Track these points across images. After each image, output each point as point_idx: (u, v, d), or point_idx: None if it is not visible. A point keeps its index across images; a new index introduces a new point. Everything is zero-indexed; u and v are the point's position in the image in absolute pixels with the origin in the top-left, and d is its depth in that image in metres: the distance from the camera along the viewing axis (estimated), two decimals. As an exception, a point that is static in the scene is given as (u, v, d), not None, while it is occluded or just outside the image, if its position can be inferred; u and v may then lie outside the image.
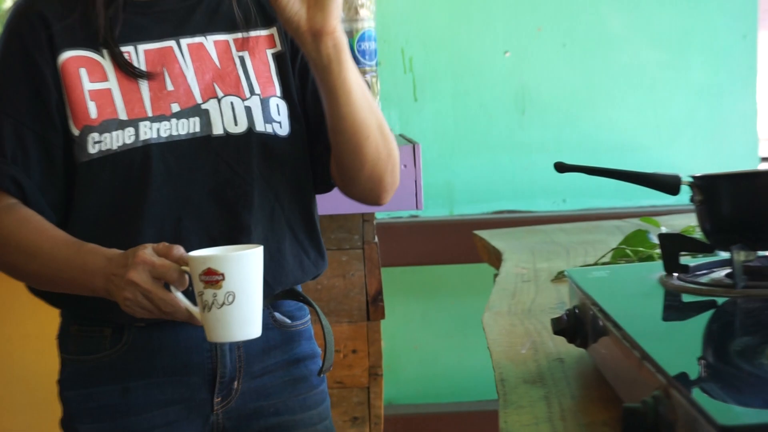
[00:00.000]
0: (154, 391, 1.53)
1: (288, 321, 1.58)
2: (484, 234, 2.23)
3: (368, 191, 1.60)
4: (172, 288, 1.33)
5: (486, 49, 2.81)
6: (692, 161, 2.75)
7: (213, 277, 1.31)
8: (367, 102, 1.49)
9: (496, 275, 1.89)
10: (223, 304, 1.32)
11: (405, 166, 2.04)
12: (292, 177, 1.55)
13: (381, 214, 2.53)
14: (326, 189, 1.65)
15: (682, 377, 0.87)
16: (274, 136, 1.52)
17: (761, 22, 2.85)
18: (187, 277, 1.33)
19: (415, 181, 2.04)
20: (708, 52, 2.80)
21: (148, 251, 1.32)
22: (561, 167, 1.42)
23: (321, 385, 1.64)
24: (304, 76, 1.57)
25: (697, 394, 0.82)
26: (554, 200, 2.74)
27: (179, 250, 1.33)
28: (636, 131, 2.79)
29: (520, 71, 2.80)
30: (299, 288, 1.62)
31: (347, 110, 1.47)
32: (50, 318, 2.46)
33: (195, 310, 1.34)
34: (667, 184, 1.34)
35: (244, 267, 1.34)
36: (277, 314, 1.56)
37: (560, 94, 2.80)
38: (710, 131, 2.80)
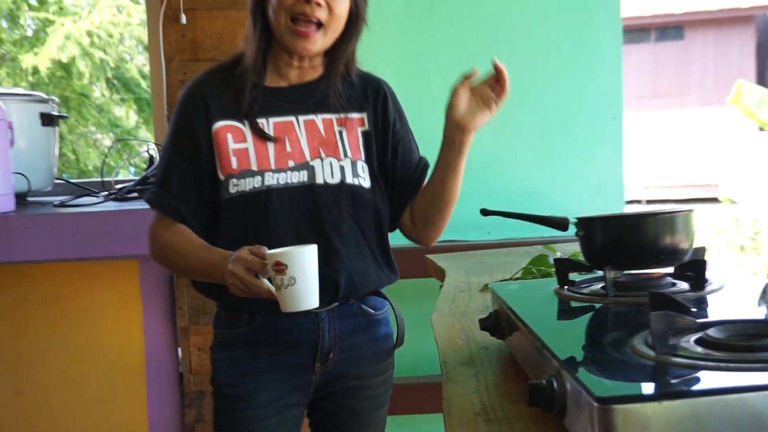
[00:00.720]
0: (275, 358, 1.60)
1: (372, 311, 1.64)
2: (432, 257, 2.24)
3: (431, 237, 1.72)
4: (260, 275, 1.40)
5: (428, 124, 2.79)
6: (578, 206, 2.75)
7: (280, 267, 1.37)
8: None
9: (441, 287, 1.90)
10: (288, 285, 1.38)
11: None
12: (373, 216, 1.60)
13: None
14: (392, 230, 1.72)
15: (570, 361, 0.88)
16: (360, 187, 1.57)
17: (625, 106, 2.87)
18: (269, 268, 1.38)
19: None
20: (588, 128, 2.81)
21: (244, 251, 1.40)
22: (484, 212, 1.47)
23: (388, 359, 1.70)
24: (396, 154, 1.66)
25: (581, 373, 0.82)
26: (482, 233, 2.73)
27: (264, 249, 1.39)
28: (538, 184, 2.79)
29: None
30: (382, 289, 1.66)
31: (453, 182, 1.61)
32: (128, 319, 2.45)
33: (273, 289, 1.39)
34: (559, 223, 1.35)
35: (300, 259, 1.38)
36: (364, 306, 1.62)
37: (485, 158, 2.80)
38: (590, 184, 2.81)
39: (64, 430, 2.48)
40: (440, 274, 2.04)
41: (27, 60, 11.99)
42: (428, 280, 2.32)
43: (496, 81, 1.56)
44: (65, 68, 11.94)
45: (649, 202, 11.06)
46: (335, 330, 1.58)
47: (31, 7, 12.81)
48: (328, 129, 1.58)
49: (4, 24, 12.79)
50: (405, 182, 1.65)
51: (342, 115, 1.60)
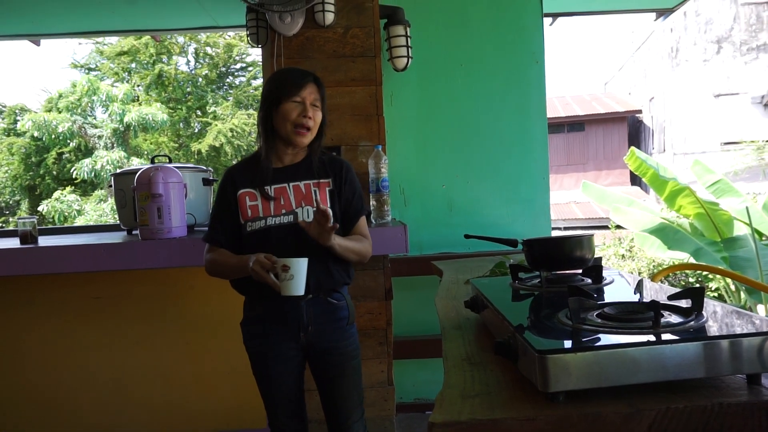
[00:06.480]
0: (277, 330, 1.55)
1: (334, 301, 1.57)
2: (436, 263, 2.21)
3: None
4: (268, 271, 1.42)
5: (432, 183, 2.82)
6: (522, 231, 2.73)
7: (285, 268, 1.39)
8: (351, 254, 1.54)
9: (440, 281, 1.88)
10: (288, 279, 1.37)
11: (400, 234, 2.02)
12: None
13: (392, 255, 2.51)
14: None
15: (520, 327, 0.86)
16: None
17: (549, 171, 2.85)
18: (278, 267, 1.40)
19: (405, 241, 2.04)
20: (528, 184, 2.79)
21: (261, 256, 1.43)
22: (467, 236, 1.45)
23: (348, 331, 1.61)
24: (342, 203, 1.59)
25: (526, 334, 0.81)
26: (466, 248, 2.72)
27: (274, 257, 1.43)
28: (498, 219, 2.77)
29: (450, 193, 2.79)
30: (345, 288, 1.62)
31: (340, 255, 1.53)
32: (158, 345, 2.47)
33: (277, 282, 1.41)
34: (512, 242, 1.33)
35: (297, 265, 1.38)
36: (328, 298, 1.56)
37: (466, 203, 2.80)
38: (529, 218, 2.78)
39: (216, 350, 2.49)
40: (440, 273, 2.02)
41: (195, 146, 12.24)
42: (432, 277, 2.31)
43: (324, 217, 1.44)
44: (217, 151, 12.16)
45: (566, 228, 10.91)
46: (310, 313, 1.54)
47: (197, 116, 13.11)
48: (307, 189, 1.55)
49: (182, 125, 13.07)
50: (345, 219, 1.60)
51: (316, 181, 1.57)
